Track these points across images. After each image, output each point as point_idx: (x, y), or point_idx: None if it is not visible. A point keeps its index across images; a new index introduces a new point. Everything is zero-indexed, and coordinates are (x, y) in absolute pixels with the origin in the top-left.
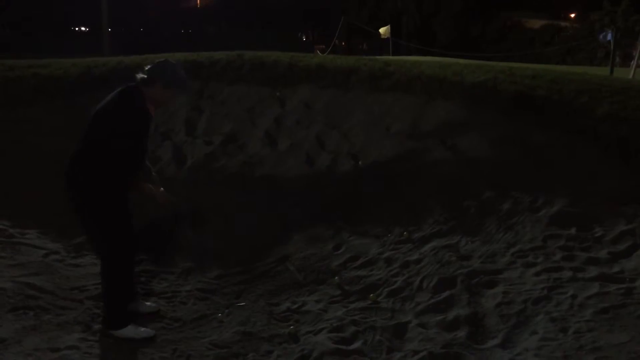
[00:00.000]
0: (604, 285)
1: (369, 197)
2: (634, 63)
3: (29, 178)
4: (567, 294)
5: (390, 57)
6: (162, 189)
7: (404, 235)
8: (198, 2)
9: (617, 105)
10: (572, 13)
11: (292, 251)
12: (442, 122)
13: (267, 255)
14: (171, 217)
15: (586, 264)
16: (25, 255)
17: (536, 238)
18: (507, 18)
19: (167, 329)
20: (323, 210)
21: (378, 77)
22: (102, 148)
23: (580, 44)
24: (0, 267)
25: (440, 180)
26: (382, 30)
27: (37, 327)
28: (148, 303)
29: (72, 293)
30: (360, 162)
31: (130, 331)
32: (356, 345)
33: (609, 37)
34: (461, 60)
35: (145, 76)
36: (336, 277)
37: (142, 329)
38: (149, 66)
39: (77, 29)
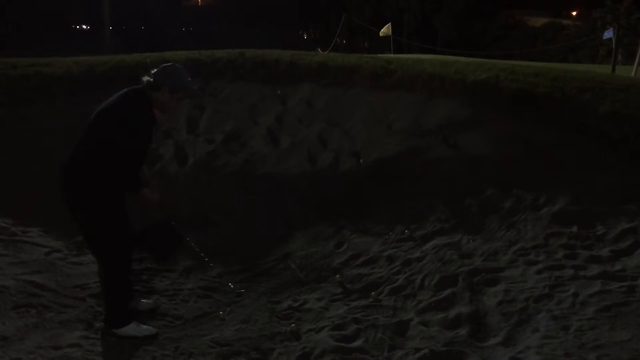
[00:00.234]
0: (605, 283)
1: (370, 195)
2: (636, 61)
3: (31, 176)
4: (569, 292)
5: (392, 55)
6: (156, 194)
7: (405, 233)
8: (199, 0)
9: (619, 103)
10: (574, 11)
11: (293, 249)
12: (444, 120)
13: (268, 253)
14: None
15: (588, 262)
16: (27, 253)
17: (538, 236)
18: (509, 16)
19: (169, 327)
20: (325, 209)
21: (380, 75)
22: (104, 149)
23: (582, 41)
24: (2, 265)
25: (442, 179)
26: (383, 28)
27: (39, 325)
28: (145, 300)
29: (74, 291)
30: (361, 160)
31: (132, 329)
32: (358, 343)
33: (611, 34)
34: (463, 58)
35: (152, 80)
36: (338, 275)
37: (144, 327)
38: (154, 70)
39: (78, 27)
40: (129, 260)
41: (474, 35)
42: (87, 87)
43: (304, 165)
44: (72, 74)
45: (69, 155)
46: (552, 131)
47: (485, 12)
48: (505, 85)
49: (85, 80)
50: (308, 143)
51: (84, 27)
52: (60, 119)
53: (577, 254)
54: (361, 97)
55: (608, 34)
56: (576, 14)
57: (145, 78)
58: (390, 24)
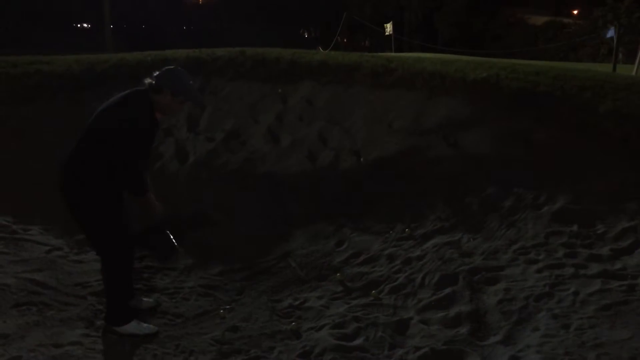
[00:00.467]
0: (605, 282)
1: (370, 194)
2: (637, 60)
3: (32, 174)
4: (569, 291)
5: (393, 54)
6: (159, 204)
7: (406, 232)
8: None
9: (620, 102)
10: (575, 9)
11: (294, 248)
12: (445, 119)
13: (269, 251)
14: (177, 217)
15: (588, 260)
16: (28, 252)
17: (538, 235)
18: (510, 14)
19: (169, 325)
20: (325, 207)
21: (380, 74)
22: (104, 149)
23: (583, 40)
24: (3, 263)
25: (442, 177)
26: (387, 26)
27: (40, 323)
28: (146, 299)
29: (75, 289)
30: (362, 159)
31: (133, 327)
32: (358, 341)
33: (612, 33)
34: (464, 57)
35: (154, 82)
36: (338, 274)
37: (145, 325)
38: (157, 72)
39: (79, 25)
40: (130, 258)
41: (475, 34)
42: (87, 85)
43: (304, 163)
44: (72, 72)
45: (67, 154)
46: (552, 130)
47: (486, 10)
48: (505, 84)
49: (86, 78)
50: (308, 141)
51: (85, 25)
52: (60, 117)
53: (577, 252)
54: (362, 95)
55: (609, 32)
56: (577, 13)
57: (147, 80)
58: (391, 22)
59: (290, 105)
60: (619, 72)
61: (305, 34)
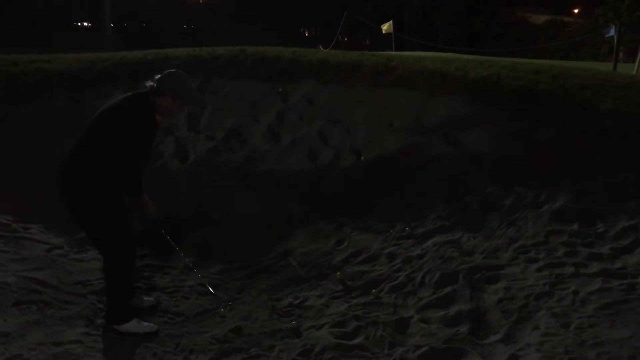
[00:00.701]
0: (606, 281)
1: (371, 193)
2: (638, 59)
3: (32, 173)
4: (569, 290)
5: (393, 53)
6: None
7: (406, 230)
8: None
9: (620, 101)
10: (575, 8)
11: (294, 246)
12: (445, 118)
13: (269, 250)
14: (177, 216)
15: (588, 259)
16: (28, 250)
17: (538, 234)
18: (511, 13)
19: (169, 324)
20: (325, 206)
21: (381, 73)
22: (104, 151)
23: (584, 39)
24: (3, 261)
25: (443, 176)
26: (384, 26)
27: (40, 321)
28: (146, 297)
29: (75, 288)
30: (362, 158)
31: (133, 326)
32: (358, 340)
33: (612, 32)
34: (464, 56)
35: (155, 85)
36: (338, 273)
37: (145, 323)
38: (158, 75)
39: (79, 24)
40: (132, 258)
41: (475, 33)
42: (88, 84)
43: (304, 162)
44: (72, 71)
45: (66, 155)
46: (553, 129)
47: (487, 9)
48: (506, 83)
49: (86, 77)
50: (309, 140)
51: (85, 24)
52: (61, 115)
53: (577, 251)
54: (362, 94)
55: (610, 31)
56: (578, 12)
57: (149, 83)
58: (391, 21)
59: (291, 104)
60: (619, 71)
61: (306, 32)
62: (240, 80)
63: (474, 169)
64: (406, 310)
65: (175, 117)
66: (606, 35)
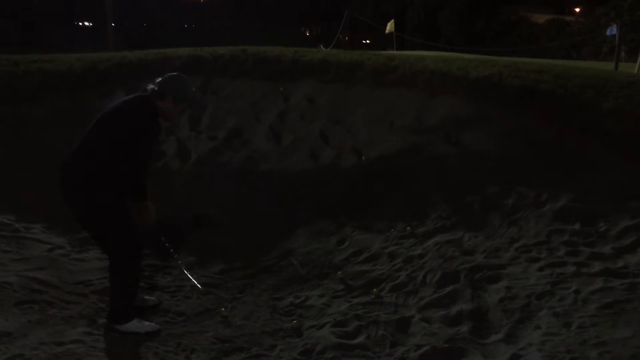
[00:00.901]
0: (607, 280)
1: (372, 192)
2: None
3: (34, 172)
4: (571, 289)
5: (394, 52)
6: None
7: (407, 230)
8: None
9: (622, 100)
10: (577, 7)
11: (295, 246)
12: (446, 117)
13: (270, 250)
14: (179, 216)
15: (590, 259)
16: (30, 250)
17: (540, 233)
18: (512, 13)
19: (171, 323)
20: (326, 205)
21: (382, 72)
22: (106, 155)
23: (585, 38)
24: (5, 261)
25: (444, 175)
26: (388, 26)
27: (42, 321)
28: (147, 297)
29: (77, 287)
30: (363, 157)
31: (134, 325)
32: (359, 339)
33: (614, 31)
34: (465, 55)
35: (156, 88)
36: (339, 272)
37: (147, 323)
38: (159, 79)
39: (80, 24)
40: (139, 259)
41: (477, 32)
42: (89, 84)
43: (305, 162)
44: (74, 71)
45: (67, 158)
46: (554, 128)
47: (488, 8)
48: (508, 82)
49: (88, 76)
50: (310, 140)
51: (87, 24)
52: (62, 115)
53: (579, 251)
54: (363, 94)
55: (611, 30)
56: (579, 11)
57: (151, 86)
58: (393, 20)
59: (292, 104)
60: (621, 70)
61: (307, 32)
62: (242, 80)
63: (476, 169)
64: (407, 309)
65: (176, 121)
66: (608, 35)
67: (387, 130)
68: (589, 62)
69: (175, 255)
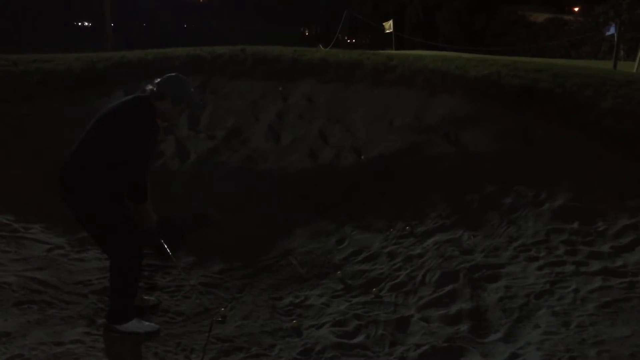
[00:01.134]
0: (606, 279)
1: (371, 192)
2: (638, 57)
3: (33, 172)
4: (570, 288)
5: (393, 52)
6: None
7: (406, 229)
8: None
9: (621, 99)
10: (576, 6)
11: (295, 245)
12: (445, 116)
13: (269, 249)
14: (178, 216)
15: (589, 258)
16: (29, 250)
17: (539, 232)
18: (511, 12)
19: (170, 323)
20: (326, 205)
21: (381, 72)
22: (105, 155)
23: (584, 37)
24: (4, 261)
25: (443, 175)
26: (385, 24)
27: (41, 321)
28: (147, 297)
29: (76, 287)
30: (363, 157)
31: (134, 325)
32: (359, 339)
33: (613, 30)
34: (464, 54)
35: (155, 89)
36: (339, 272)
37: (146, 323)
38: (158, 79)
39: (80, 23)
40: (139, 260)
41: (476, 31)
42: (88, 84)
43: (305, 161)
44: (73, 71)
45: (66, 158)
46: (553, 127)
47: (487, 8)
48: (506, 82)
49: (87, 76)
50: (309, 139)
51: (86, 23)
52: (61, 115)
53: (578, 250)
54: (362, 93)
55: (610, 29)
56: (578, 10)
57: (149, 87)
58: (392, 20)
59: (291, 103)
60: (619, 69)
61: (306, 31)
62: (241, 79)
63: (475, 168)
64: (407, 309)
65: (175, 121)
66: (607, 34)
67: (387, 129)
68: (588, 61)
69: (174, 256)
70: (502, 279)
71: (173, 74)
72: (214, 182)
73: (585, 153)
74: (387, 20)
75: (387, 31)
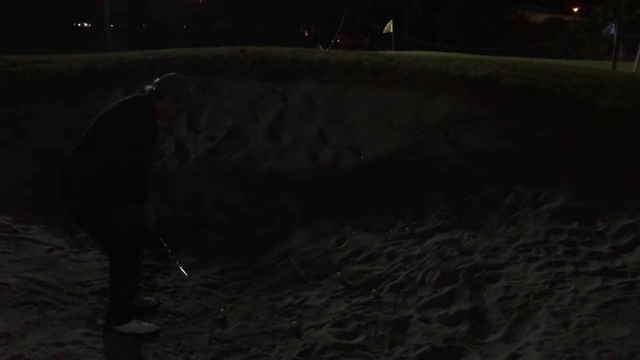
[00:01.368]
0: (606, 279)
1: (371, 192)
2: (637, 57)
3: (32, 173)
4: (569, 289)
5: (393, 52)
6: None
7: (406, 230)
8: None
9: (620, 99)
10: (575, 7)
11: (294, 246)
12: (445, 117)
13: (269, 250)
14: (177, 216)
15: (588, 258)
16: (29, 251)
17: (538, 232)
18: (511, 12)
19: (170, 324)
20: (325, 205)
21: (380, 72)
22: (106, 156)
23: (583, 37)
24: (4, 262)
25: (443, 175)
26: (386, 26)
27: (41, 322)
28: (147, 298)
29: (76, 288)
30: (362, 157)
31: (133, 326)
32: (358, 339)
33: (612, 31)
34: (464, 55)
35: (155, 89)
36: (338, 272)
37: (146, 324)
38: (158, 79)
39: (79, 24)
40: (139, 261)
41: (475, 32)
42: (88, 84)
43: (304, 161)
44: (73, 71)
45: (66, 159)
46: (552, 127)
47: (487, 8)
48: (506, 82)
49: (87, 77)
50: (309, 140)
51: (85, 24)
52: (61, 116)
53: (577, 250)
54: (362, 93)
55: (609, 30)
56: (577, 10)
57: (148, 87)
58: (392, 20)
59: (291, 104)
60: (619, 69)
61: (306, 32)
62: (240, 80)
63: (474, 168)
64: (406, 309)
65: (174, 121)
66: (606, 34)
67: (386, 130)
68: (587, 61)
69: (173, 256)
70: (501, 280)
71: (172, 73)
72: (214, 183)
73: (585, 153)
74: (387, 21)
75: (387, 31)
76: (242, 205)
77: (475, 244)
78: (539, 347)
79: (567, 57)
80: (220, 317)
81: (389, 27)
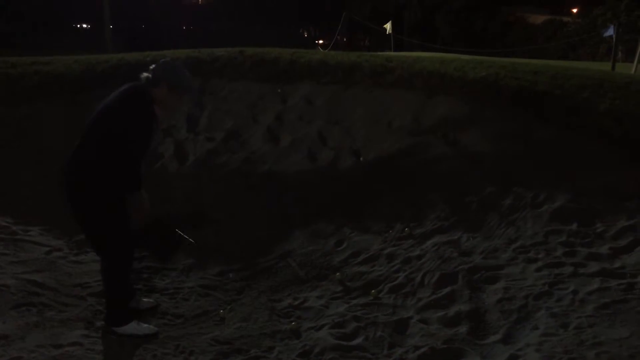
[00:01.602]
0: (605, 280)
1: (370, 193)
2: (636, 58)
3: (32, 175)
4: (568, 290)
5: (392, 53)
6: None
7: (405, 231)
8: None
9: (619, 101)
10: (574, 8)
11: (293, 247)
12: (444, 118)
13: (268, 251)
14: (175, 216)
15: (587, 259)
16: (27, 252)
17: (537, 234)
18: (510, 13)
19: (169, 326)
20: (325, 207)
21: (379, 73)
22: (105, 147)
23: (582, 39)
24: (3, 264)
25: (442, 176)
26: (386, 26)
27: (39, 323)
28: (146, 299)
29: (75, 290)
30: (361, 158)
31: (132, 328)
32: (358, 341)
33: (611, 32)
34: (463, 56)
35: (150, 76)
36: (338, 274)
37: (145, 325)
38: (153, 65)
39: (78, 26)
40: (130, 260)
41: (474, 33)
42: (87, 86)
43: (304, 163)
44: (72, 73)
45: (70, 154)
46: (551, 129)
47: (486, 9)
48: (505, 83)
49: (86, 78)
50: (308, 141)
51: (85, 25)
52: (60, 117)
53: (576, 251)
54: (361, 95)
55: (608, 31)
56: (576, 11)
57: (144, 74)
58: (391, 21)
59: (290, 105)
60: (618, 70)
61: (305, 33)
62: (240, 81)
63: (473, 169)
64: (405, 310)
65: (175, 110)
66: (605, 35)
67: (385, 131)
68: (586, 62)
69: (193, 241)
70: (500, 281)
71: (167, 58)
72: (213, 184)
73: (584, 154)
74: (386, 21)
75: (387, 32)
76: (241, 207)
77: (475, 245)
78: (538, 348)
79: (566, 58)
80: (219, 318)
81: (389, 27)
